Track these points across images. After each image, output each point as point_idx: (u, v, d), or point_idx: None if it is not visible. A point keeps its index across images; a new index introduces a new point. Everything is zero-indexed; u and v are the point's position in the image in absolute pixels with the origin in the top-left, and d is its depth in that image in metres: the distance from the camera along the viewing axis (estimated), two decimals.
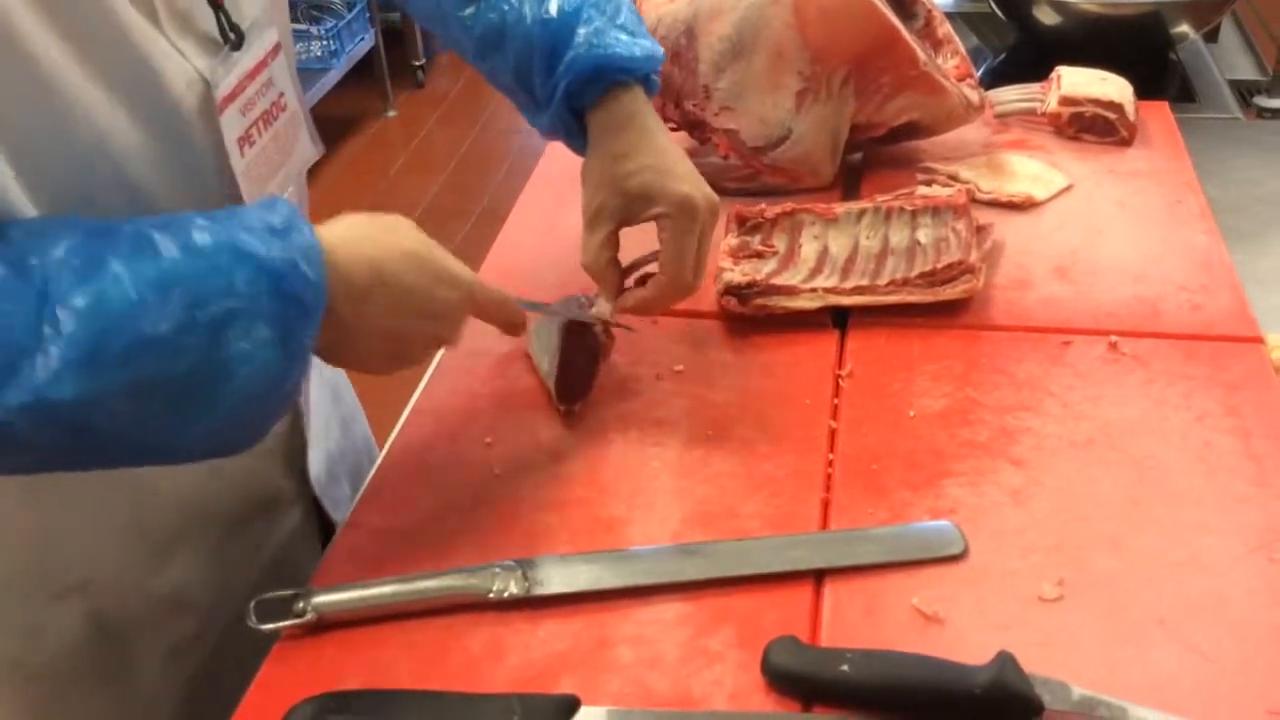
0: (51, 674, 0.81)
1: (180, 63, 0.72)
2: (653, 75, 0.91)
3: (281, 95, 0.81)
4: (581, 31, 0.87)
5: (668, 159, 0.88)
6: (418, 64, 4.07)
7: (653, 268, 0.91)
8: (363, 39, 3.73)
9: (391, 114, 3.95)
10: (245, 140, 0.77)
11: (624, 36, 0.88)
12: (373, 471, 0.91)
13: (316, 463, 0.98)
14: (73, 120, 0.66)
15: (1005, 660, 0.67)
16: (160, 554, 0.85)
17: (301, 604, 0.75)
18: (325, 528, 1.00)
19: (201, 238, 0.66)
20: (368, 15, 3.74)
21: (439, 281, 0.76)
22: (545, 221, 1.20)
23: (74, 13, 0.65)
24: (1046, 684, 0.67)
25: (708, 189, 0.89)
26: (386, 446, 0.94)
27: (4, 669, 0.80)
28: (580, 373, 0.92)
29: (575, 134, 0.91)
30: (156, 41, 0.70)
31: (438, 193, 3.46)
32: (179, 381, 0.65)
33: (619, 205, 0.88)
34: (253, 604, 0.76)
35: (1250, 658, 0.71)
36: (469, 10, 0.91)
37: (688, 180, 0.87)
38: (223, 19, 0.74)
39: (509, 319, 0.84)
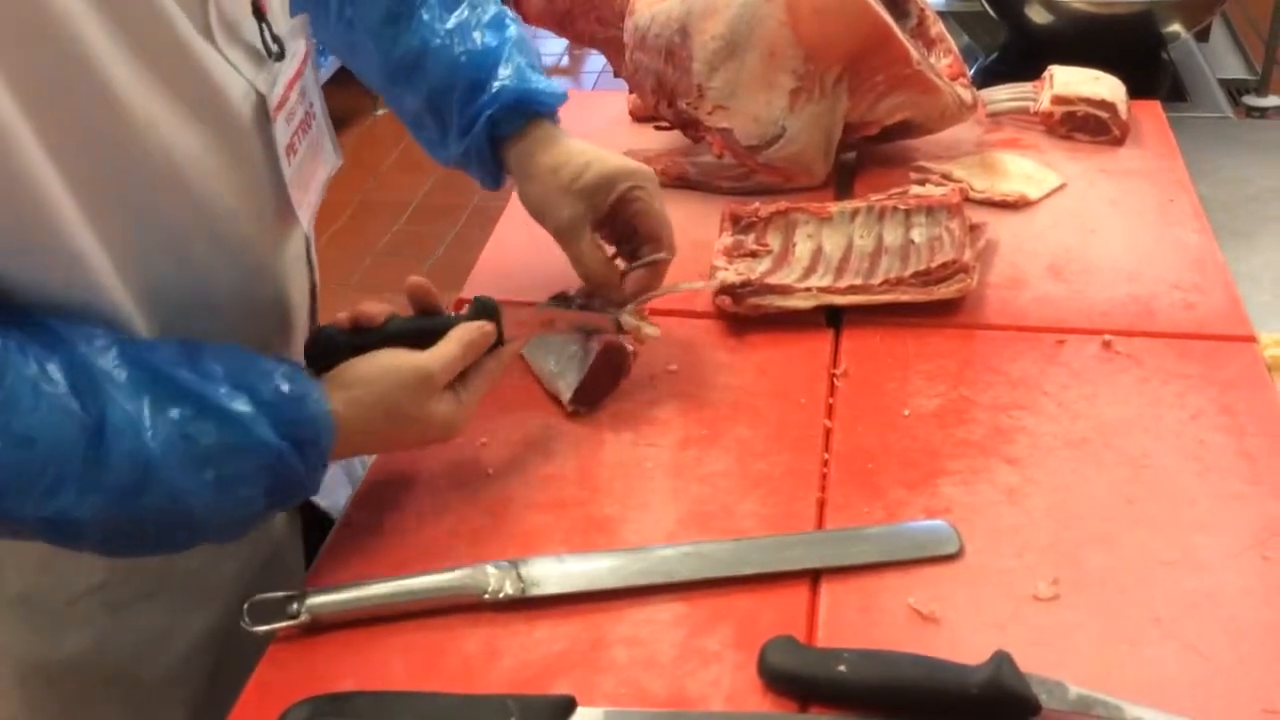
0: (70, 677, 0.81)
1: (234, 74, 0.73)
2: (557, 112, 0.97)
3: (312, 104, 0.82)
4: (505, 66, 0.92)
5: (598, 151, 0.92)
6: None
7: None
8: None
9: (381, 112, 3.93)
10: (290, 149, 0.79)
11: (538, 75, 0.94)
12: (365, 472, 0.91)
13: None
14: (141, 136, 0.67)
15: (1002, 660, 0.67)
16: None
17: (295, 605, 0.75)
18: (310, 525, 1.00)
19: (230, 406, 0.70)
20: None
21: (438, 417, 0.80)
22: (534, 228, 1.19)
23: (140, 30, 0.66)
24: (1043, 683, 0.67)
25: (638, 162, 0.94)
26: None
27: (26, 673, 0.80)
28: (602, 386, 0.93)
29: (488, 162, 0.95)
30: (212, 54, 0.71)
31: (428, 191, 3.45)
32: (181, 519, 0.70)
33: (585, 206, 0.91)
34: (246, 606, 0.75)
35: (1246, 656, 0.71)
36: (389, 32, 0.93)
37: (624, 159, 0.92)
38: (265, 30, 0.75)
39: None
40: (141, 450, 0.66)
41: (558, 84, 0.95)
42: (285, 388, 0.72)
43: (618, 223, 0.93)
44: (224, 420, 0.69)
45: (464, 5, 0.96)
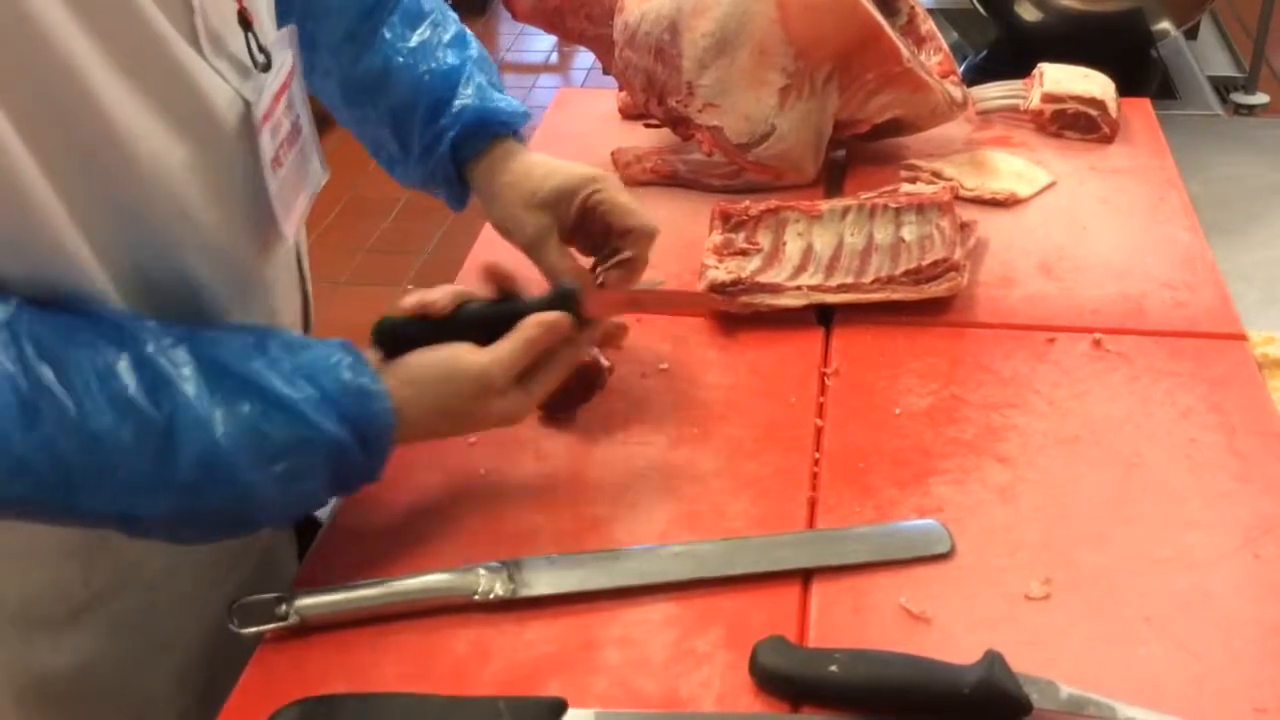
0: (68, 693, 0.81)
1: (220, 84, 0.72)
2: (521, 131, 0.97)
3: (298, 117, 0.81)
4: (467, 86, 0.92)
5: (556, 162, 0.93)
6: None
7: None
8: None
9: None
10: (276, 161, 0.78)
11: (500, 94, 0.94)
12: None
13: None
14: (125, 143, 0.66)
15: (994, 659, 0.67)
16: (169, 565, 0.84)
17: (284, 607, 0.74)
18: (302, 530, 0.99)
19: (290, 394, 0.70)
20: None
21: (494, 410, 0.79)
22: None
23: (125, 38, 0.65)
24: (1035, 683, 0.67)
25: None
26: None
27: (23, 689, 0.79)
28: (574, 399, 0.91)
29: (453, 182, 0.95)
30: (198, 63, 0.70)
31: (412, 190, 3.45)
32: (248, 510, 0.71)
33: (549, 218, 0.91)
34: (234, 607, 0.75)
35: (1237, 654, 0.71)
36: (351, 49, 0.93)
37: (579, 165, 0.92)
38: (252, 41, 0.74)
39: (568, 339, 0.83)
40: (212, 447, 0.67)
41: (518, 103, 0.95)
42: (350, 381, 0.72)
43: (592, 230, 0.92)
44: (292, 415, 0.69)
45: (426, 24, 0.96)
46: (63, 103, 0.63)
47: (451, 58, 0.94)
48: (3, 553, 0.77)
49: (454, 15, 1.00)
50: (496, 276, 0.84)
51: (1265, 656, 0.71)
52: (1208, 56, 1.89)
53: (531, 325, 0.79)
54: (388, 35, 0.94)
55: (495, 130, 0.93)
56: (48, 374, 0.63)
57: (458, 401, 0.77)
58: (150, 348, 0.67)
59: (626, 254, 0.90)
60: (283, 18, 0.89)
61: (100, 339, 0.66)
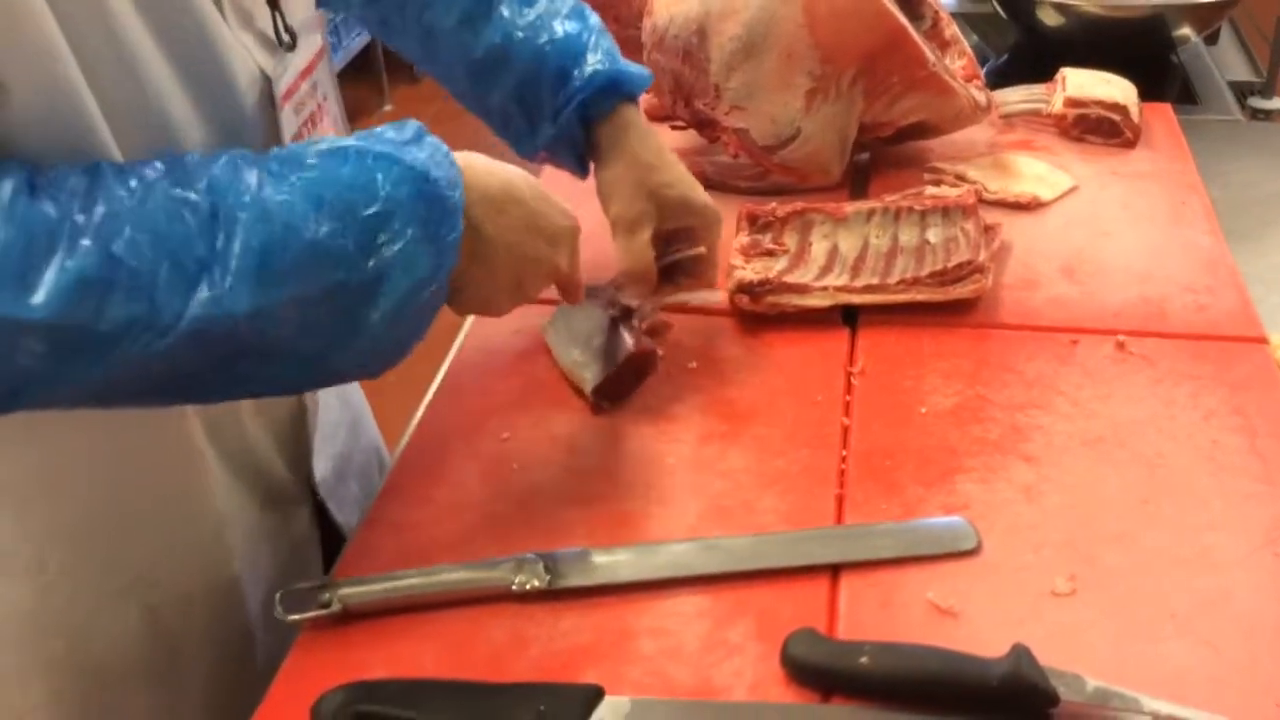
0: (104, 671, 0.82)
1: (245, 58, 0.74)
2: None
3: (325, 99, 0.83)
4: (594, 52, 0.93)
5: (688, 173, 0.95)
6: (385, 110, 4.07)
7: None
8: (359, 33, 3.74)
9: (388, 108, 3.95)
10: (297, 139, 0.79)
11: (622, 59, 0.95)
12: (391, 466, 0.92)
13: (322, 465, 0.98)
14: (155, 111, 0.68)
15: (1021, 653, 0.69)
16: (212, 546, 0.86)
17: (327, 595, 0.76)
18: (329, 533, 1.01)
19: (343, 146, 0.68)
20: None
21: (554, 208, 0.81)
22: None
23: (163, 4, 0.67)
24: (1061, 676, 0.68)
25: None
26: (403, 441, 0.95)
27: (57, 664, 0.80)
28: (626, 385, 0.95)
29: (579, 146, 0.96)
30: (225, 35, 0.72)
31: None
32: (340, 288, 0.67)
33: (658, 212, 0.93)
34: (279, 595, 0.76)
35: (1259, 652, 0.72)
36: (468, 34, 0.94)
37: (705, 193, 0.96)
38: (279, 19, 0.76)
39: (575, 282, 0.86)
40: (266, 211, 0.64)
41: (642, 67, 0.96)
42: (396, 136, 0.71)
43: (667, 239, 0.96)
44: (357, 156, 0.68)
45: None
46: (100, 54, 0.64)
47: (572, 27, 0.94)
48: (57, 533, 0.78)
49: None
50: None
51: None
52: (1226, 62, 1.90)
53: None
54: (505, 13, 0.95)
55: (626, 91, 0.94)
56: (93, 188, 0.62)
57: (523, 182, 0.78)
58: (188, 165, 0.66)
59: (691, 279, 0.98)
60: (397, 11, 0.90)
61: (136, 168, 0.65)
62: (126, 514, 0.80)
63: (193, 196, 0.64)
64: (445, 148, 0.73)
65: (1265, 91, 2.70)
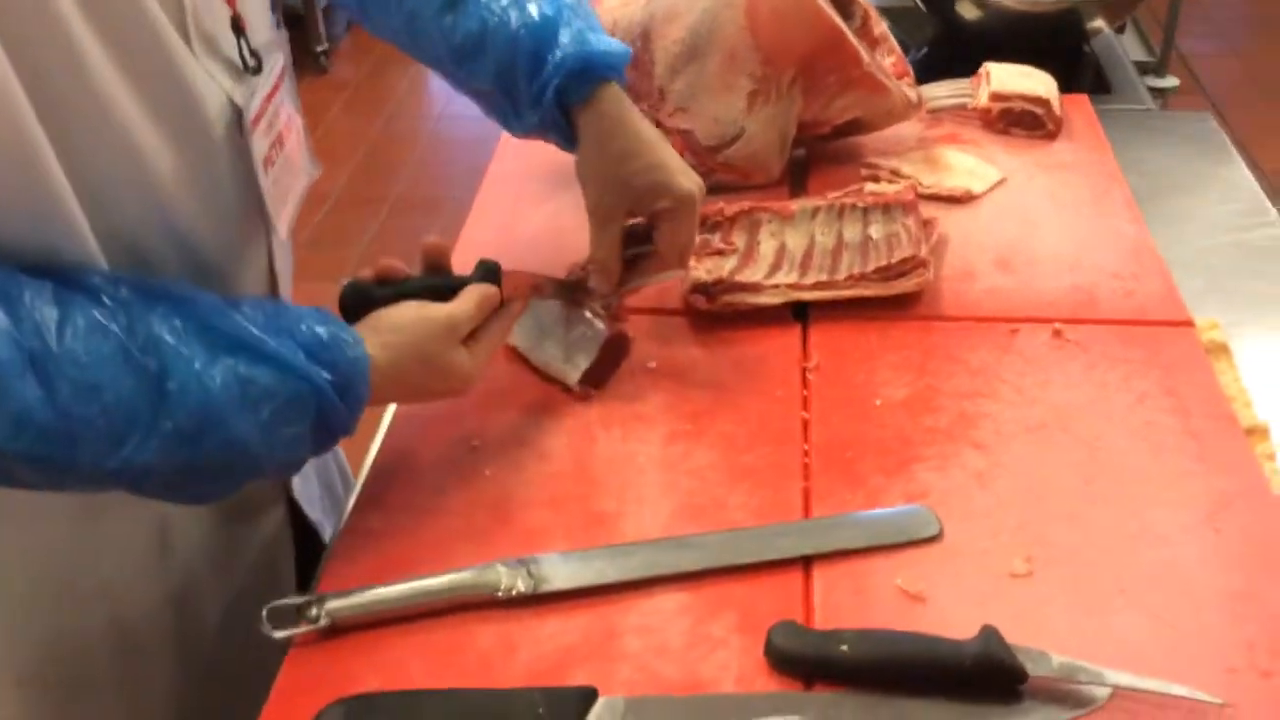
0: (70, 682, 0.82)
1: (212, 86, 0.74)
2: (625, 71, 0.96)
3: (290, 116, 0.83)
4: (564, 33, 0.92)
5: (664, 153, 0.94)
6: (320, 50, 4.02)
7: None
8: None
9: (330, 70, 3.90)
10: (268, 161, 0.79)
11: (598, 37, 0.93)
12: (362, 478, 0.93)
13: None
14: (123, 144, 0.68)
15: (990, 634, 0.73)
16: (166, 553, 0.86)
17: (314, 610, 0.77)
18: (300, 531, 1.01)
19: (271, 354, 0.74)
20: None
21: (452, 379, 0.86)
22: (505, 221, 1.22)
23: (128, 37, 0.67)
24: (1028, 653, 0.72)
25: (696, 175, 0.95)
26: (371, 449, 0.96)
27: (25, 677, 0.80)
28: (606, 369, 0.98)
29: (564, 129, 0.95)
30: (192, 65, 0.72)
31: (346, 183, 3.42)
32: (238, 459, 0.74)
33: (628, 201, 0.94)
34: (265, 611, 0.77)
35: (1206, 621, 0.77)
36: (448, 19, 0.93)
37: (685, 173, 0.94)
38: (243, 44, 0.76)
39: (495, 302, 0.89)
40: (204, 395, 0.70)
41: (617, 43, 0.94)
42: (322, 333, 0.76)
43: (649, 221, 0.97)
44: (276, 364, 0.73)
45: None
46: (62, 88, 0.65)
47: (545, 8, 0.92)
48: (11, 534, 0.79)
49: None
50: (433, 254, 0.90)
51: (1231, 621, 0.77)
52: (1124, 42, 1.98)
53: (481, 289, 0.87)
54: None
55: (599, 74, 0.92)
56: (50, 325, 0.65)
57: (430, 341, 0.83)
58: (137, 307, 0.70)
59: (665, 274, 0.99)
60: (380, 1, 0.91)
61: (89, 300, 0.68)
62: (88, 530, 0.81)
63: (146, 363, 0.69)
64: (362, 350, 0.78)
65: (1159, 70, 2.81)
